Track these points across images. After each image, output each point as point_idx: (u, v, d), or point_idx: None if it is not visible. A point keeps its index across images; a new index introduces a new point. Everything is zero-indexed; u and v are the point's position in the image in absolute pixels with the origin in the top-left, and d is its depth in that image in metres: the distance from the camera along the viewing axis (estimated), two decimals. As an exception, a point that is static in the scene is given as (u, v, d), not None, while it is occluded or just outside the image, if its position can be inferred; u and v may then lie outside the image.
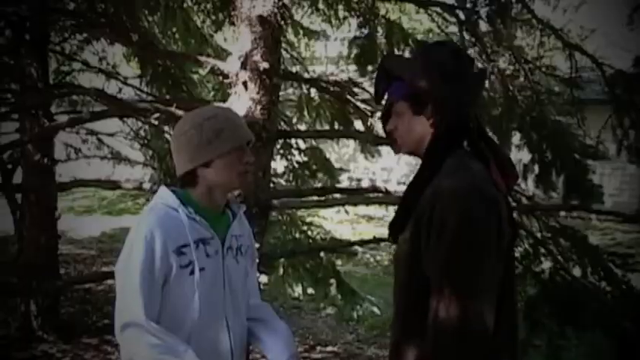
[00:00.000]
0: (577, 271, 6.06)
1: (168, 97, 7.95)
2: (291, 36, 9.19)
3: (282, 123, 7.59)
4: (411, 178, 2.41)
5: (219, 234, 2.71)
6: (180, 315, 2.55)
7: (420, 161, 2.43)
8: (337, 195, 6.58)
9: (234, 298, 2.76)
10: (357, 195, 6.77)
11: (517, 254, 6.13)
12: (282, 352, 2.81)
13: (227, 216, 2.85)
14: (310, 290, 8.32)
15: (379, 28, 7.03)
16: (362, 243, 9.95)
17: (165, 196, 2.68)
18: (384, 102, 2.56)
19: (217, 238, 2.70)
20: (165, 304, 2.52)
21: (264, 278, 5.53)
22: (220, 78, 5.88)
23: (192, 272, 2.56)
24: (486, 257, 2.09)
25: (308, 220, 9.23)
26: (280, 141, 7.19)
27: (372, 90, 6.52)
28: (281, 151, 7.63)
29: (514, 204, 6.41)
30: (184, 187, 2.75)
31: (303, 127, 8.06)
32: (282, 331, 2.94)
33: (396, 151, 2.56)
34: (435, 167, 2.29)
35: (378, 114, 6.17)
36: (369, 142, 7.67)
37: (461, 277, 2.09)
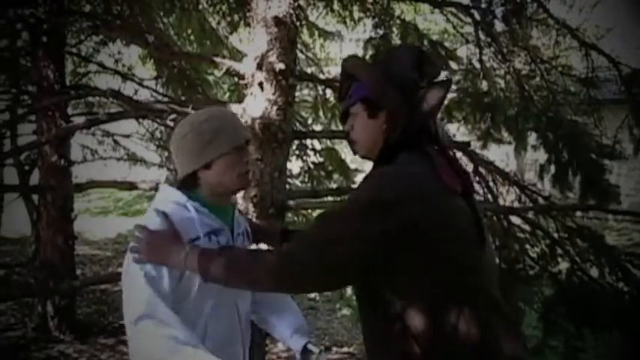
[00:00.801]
0: (594, 272, 6.02)
1: (183, 98, 7.96)
2: (306, 37, 9.19)
3: (297, 124, 7.60)
4: None
5: (226, 224, 2.74)
6: (199, 305, 2.56)
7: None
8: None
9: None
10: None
11: (534, 255, 6.12)
12: (286, 328, 2.96)
13: (230, 206, 2.87)
14: (326, 291, 8.32)
15: (394, 29, 7.02)
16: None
17: (170, 193, 2.68)
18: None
19: (227, 228, 2.73)
20: (183, 296, 2.51)
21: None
22: (236, 79, 5.89)
23: None
24: (361, 231, 2.12)
25: (324, 220, 9.21)
26: (296, 142, 7.20)
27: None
28: (297, 152, 7.64)
29: (531, 204, 6.40)
30: (187, 190, 2.74)
31: (318, 128, 8.06)
32: (286, 308, 3.08)
33: (354, 151, 2.56)
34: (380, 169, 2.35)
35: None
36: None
37: (321, 225, 2.27)
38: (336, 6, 7.72)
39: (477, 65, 6.95)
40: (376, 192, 2.17)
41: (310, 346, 2.93)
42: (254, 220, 4.79)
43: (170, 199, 2.64)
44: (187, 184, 2.71)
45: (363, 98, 2.42)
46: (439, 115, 4.90)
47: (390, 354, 2.23)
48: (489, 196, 6.43)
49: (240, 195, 5.15)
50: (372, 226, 2.10)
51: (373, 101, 2.38)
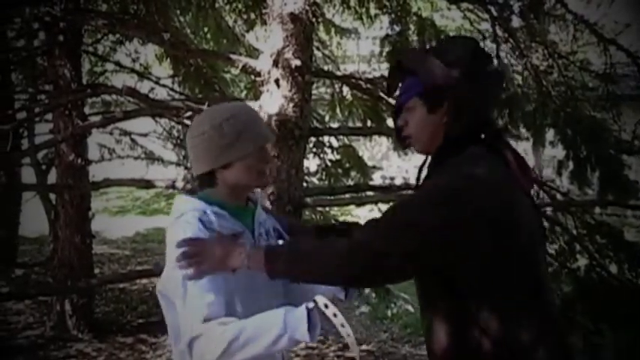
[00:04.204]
0: (613, 268, 5.99)
1: (200, 96, 7.97)
2: (322, 34, 9.19)
3: (314, 121, 7.58)
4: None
5: (247, 226, 2.65)
6: (227, 312, 2.42)
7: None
8: (370, 193, 6.56)
9: (274, 284, 2.66)
10: (390, 193, 6.74)
11: (552, 251, 6.08)
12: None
13: (249, 206, 2.80)
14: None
15: (411, 26, 7.00)
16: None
17: (187, 201, 2.61)
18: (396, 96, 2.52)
19: (248, 230, 2.63)
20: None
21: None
22: (252, 76, 5.88)
23: (233, 270, 2.43)
24: (438, 218, 2.08)
25: (341, 218, 9.22)
26: (313, 139, 7.19)
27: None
28: (314, 150, 7.62)
29: (549, 200, 6.36)
30: (202, 186, 2.70)
31: (335, 126, 8.04)
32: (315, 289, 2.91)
33: (404, 148, 2.52)
34: (444, 163, 2.28)
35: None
36: (401, 140, 7.64)
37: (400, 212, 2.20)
38: (352, 3, 7.71)
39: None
40: (452, 180, 2.14)
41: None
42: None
43: (188, 207, 2.55)
44: (204, 182, 2.66)
45: (421, 92, 2.34)
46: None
47: (458, 348, 2.20)
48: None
49: (256, 192, 5.15)
50: (449, 212, 2.07)
51: (433, 94, 2.31)
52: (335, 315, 2.22)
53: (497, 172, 2.19)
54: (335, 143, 7.93)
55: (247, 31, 8.76)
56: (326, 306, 2.23)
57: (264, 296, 2.58)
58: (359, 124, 7.35)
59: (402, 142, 2.52)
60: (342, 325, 2.22)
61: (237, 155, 2.54)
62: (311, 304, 2.23)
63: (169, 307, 2.53)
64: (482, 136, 2.34)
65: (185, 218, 2.50)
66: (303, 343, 2.72)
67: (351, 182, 7.73)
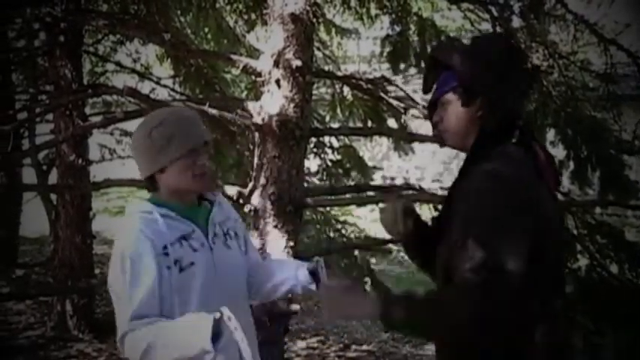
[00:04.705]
0: (614, 268, 6.00)
1: (201, 97, 7.97)
2: (323, 34, 9.19)
3: (315, 122, 7.58)
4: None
5: (200, 226, 2.73)
6: (182, 311, 2.52)
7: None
8: (371, 193, 6.56)
9: (233, 283, 2.80)
10: (391, 193, 6.75)
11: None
12: (288, 278, 2.94)
13: (204, 207, 2.86)
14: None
15: (411, 26, 7.00)
16: (396, 241, 9.93)
17: (137, 203, 2.76)
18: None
19: (199, 230, 2.71)
20: (164, 305, 2.54)
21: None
22: (253, 77, 5.88)
23: (181, 269, 2.58)
24: (510, 214, 2.04)
25: (342, 218, 9.23)
26: (313, 139, 7.20)
27: (405, 87, 6.51)
28: (314, 150, 7.63)
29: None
30: (149, 190, 2.82)
31: (336, 126, 8.05)
32: (277, 266, 3.12)
33: (441, 143, 2.52)
34: (479, 159, 2.25)
35: (412, 112, 6.15)
36: (402, 140, 7.65)
37: (482, 226, 2.07)
38: (353, 3, 7.71)
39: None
40: (503, 182, 2.11)
41: (310, 266, 2.90)
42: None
43: (138, 209, 2.68)
44: (149, 187, 2.80)
45: (456, 87, 2.34)
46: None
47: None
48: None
49: (257, 193, 5.16)
50: (524, 213, 2.07)
51: (469, 89, 2.31)
52: (236, 329, 2.22)
53: (532, 171, 2.21)
54: (335, 143, 7.95)
55: (248, 32, 8.76)
56: (229, 318, 2.23)
57: (226, 295, 2.62)
58: (359, 125, 7.35)
59: (437, 138, 2.55)
60: (242, 340, 2.23)
61: (167, 159, 2.64)
62: (217, 314, 2.25)
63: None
64: (514, 132, 2.35)
65: (131, 219, 2.64)
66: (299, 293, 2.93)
67: (351, 182, 7.74)
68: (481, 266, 1.96)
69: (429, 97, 2.53)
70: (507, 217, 2.04)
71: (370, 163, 8.35)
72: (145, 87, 9.59)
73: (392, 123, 7.27)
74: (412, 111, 6.17)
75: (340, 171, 7.75)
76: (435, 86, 2.48)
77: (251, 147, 5.84)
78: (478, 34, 7.44)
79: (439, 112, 2.43)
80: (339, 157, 7.82)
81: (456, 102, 2.35)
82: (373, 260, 9.31)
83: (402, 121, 6.96)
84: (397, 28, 6.99)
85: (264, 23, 5.94)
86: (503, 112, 2.30)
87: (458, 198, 2.23)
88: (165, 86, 9.46)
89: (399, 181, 19.37)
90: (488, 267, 1.95)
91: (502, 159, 2.21)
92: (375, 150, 18.51)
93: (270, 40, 5.25)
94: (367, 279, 7.59)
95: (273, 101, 5.05)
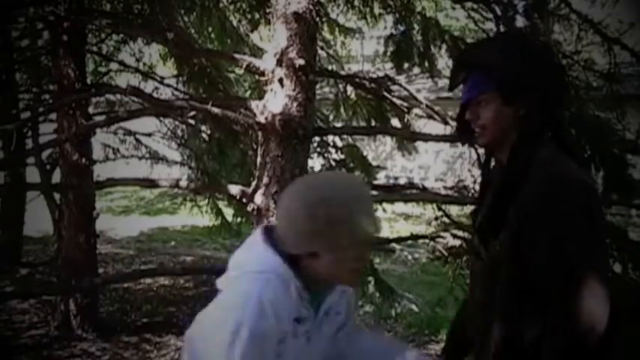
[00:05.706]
0: (617, 268, 5.98)
1: (204, 96, 7.96)
2: (326, 34, 9.18)
3: (318, 121, 7.57)
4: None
5: (313, 308, 2.21)
6: None
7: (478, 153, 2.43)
8: (374, 192, 6.55)
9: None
10: (395, 192, 6.74)
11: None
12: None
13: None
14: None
15: (415, 25, 7.00)
16: (399, 241, 9.94)
17: (272, 260, 2.11)
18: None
19: (312, 313, 2.20)
20: None
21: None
22: (256, 76, 5.88)
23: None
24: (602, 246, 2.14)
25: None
26: (317, 139, 7.19)
27: (409, 87, 6.50)
28: (318, 149, 7.62)
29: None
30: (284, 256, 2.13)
31: (339, 125, 8.04)
32: (370, 340, 2.60)
33: (475, 142, 2.49)
34: (529, 159, 2.24)
35: (415, 111, 6.14)
36: (406, 139, 7.64)
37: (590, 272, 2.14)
38: (356, 2, 7.70)
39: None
40: (584, 207, 2.11)
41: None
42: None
43: (273, 269, 2.10)
44: (289, 260, 2.12)
45: (498, 85, 2.30)
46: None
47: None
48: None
49: (260, 192, 5.16)
50: (603, 218, 2.16)
51: (513, 87, 2.28)
52: None
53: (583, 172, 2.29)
54: (339, 143, 7.93)
55: (251, 31, 8.77)
56: None
57: None
58: (363, 124, 7.35)
59: (464, 137, 2.53)
60: None
61: (328, 246, 2.08)
62: None
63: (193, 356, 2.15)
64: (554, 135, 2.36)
65: (269, 279, 2.09)
66: None
67: (355, 182, 7.72)
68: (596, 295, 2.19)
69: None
70: (596, 229, 2.11)
71: (374, 163, 8.36)
72: (149, 86, 9.59)
73: (395, 122, 7.27)
74: (416, 110, 6.17)
75: (344, 170, 7.74)
76: (465, 86, 2.44)
77: (254, 146, 5.84)
78: (482, 33, 7.45)
79: (474, 110, 2.39)
80: (342, 156, 7.80)
81: (496, 101, 2.32)
82: (376, 260, 9.31)
83: (406, 120, 6.95)
84: (401, 28, 6.99)
85: (268, 22, 5.96)
86: (549, 110, 2.29)
87: (527, 200, 2.18)
88: (168, 85, 9.46)
89: (402, 182, 19.39)
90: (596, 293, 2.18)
91: (561, 162, 2.23)
92: (378, 149, 18.54)
93: (273, 40, 5.25)
94: (371, 278, 7.58)
95: (276, 100, 5.05)
